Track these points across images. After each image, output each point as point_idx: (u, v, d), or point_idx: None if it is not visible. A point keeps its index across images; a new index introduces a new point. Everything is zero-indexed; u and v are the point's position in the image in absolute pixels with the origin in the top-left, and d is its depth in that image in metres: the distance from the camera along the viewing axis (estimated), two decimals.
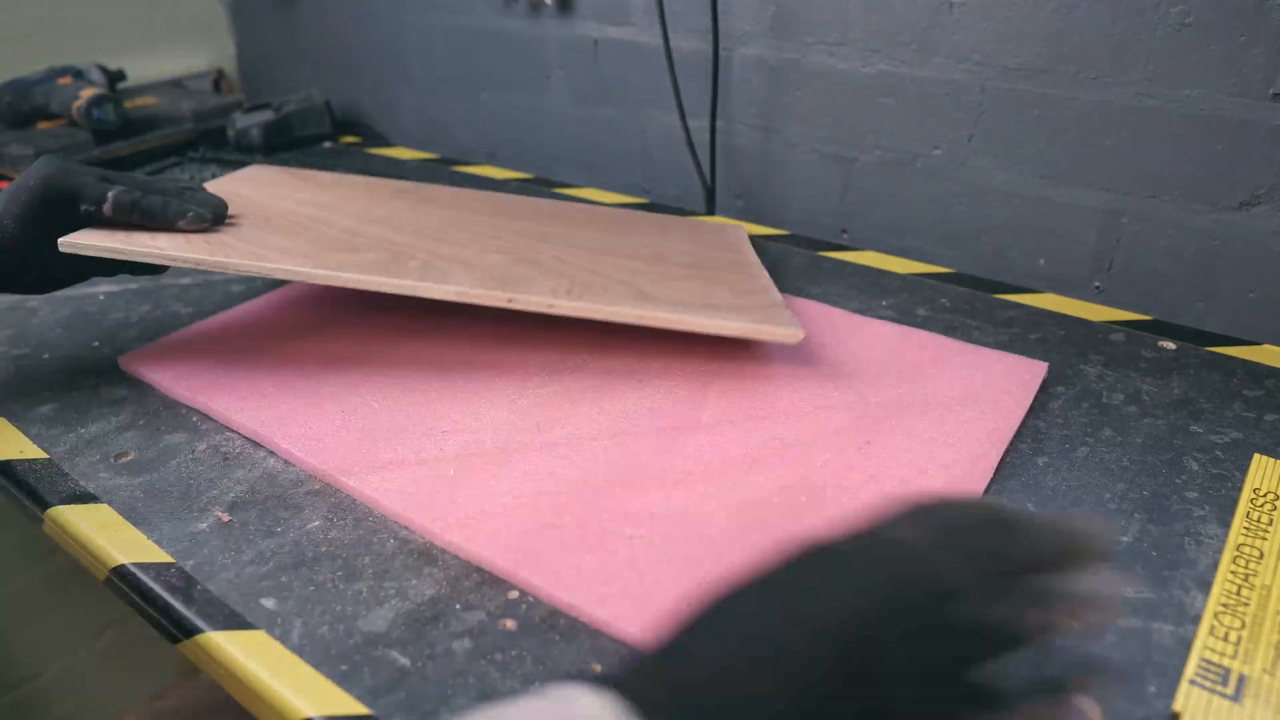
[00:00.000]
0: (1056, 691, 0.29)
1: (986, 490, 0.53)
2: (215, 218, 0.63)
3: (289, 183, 0.83)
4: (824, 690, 0.25)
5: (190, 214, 0.61)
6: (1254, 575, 0.46)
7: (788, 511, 0.51)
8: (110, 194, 0.59)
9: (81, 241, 0.58)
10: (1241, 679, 0.40)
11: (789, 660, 0.26)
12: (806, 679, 0.25)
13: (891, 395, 0.61)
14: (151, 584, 0.48)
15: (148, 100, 1.23)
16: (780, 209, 0.99)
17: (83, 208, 0.59)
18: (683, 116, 0.98)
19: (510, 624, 0.45)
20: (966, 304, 0.76)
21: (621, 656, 0.43)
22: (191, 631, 0.46)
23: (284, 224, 0.68)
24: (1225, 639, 0.42)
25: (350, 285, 0.59)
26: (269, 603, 0.46)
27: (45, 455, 0.58)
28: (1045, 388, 0.63)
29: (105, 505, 0.53)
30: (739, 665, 0.26)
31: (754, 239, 0.89)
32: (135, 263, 0.60)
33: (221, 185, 0.77)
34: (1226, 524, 0.50)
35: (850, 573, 0.28)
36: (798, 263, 0.84)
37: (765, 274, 0.74)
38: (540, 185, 1.07)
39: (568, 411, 0.60)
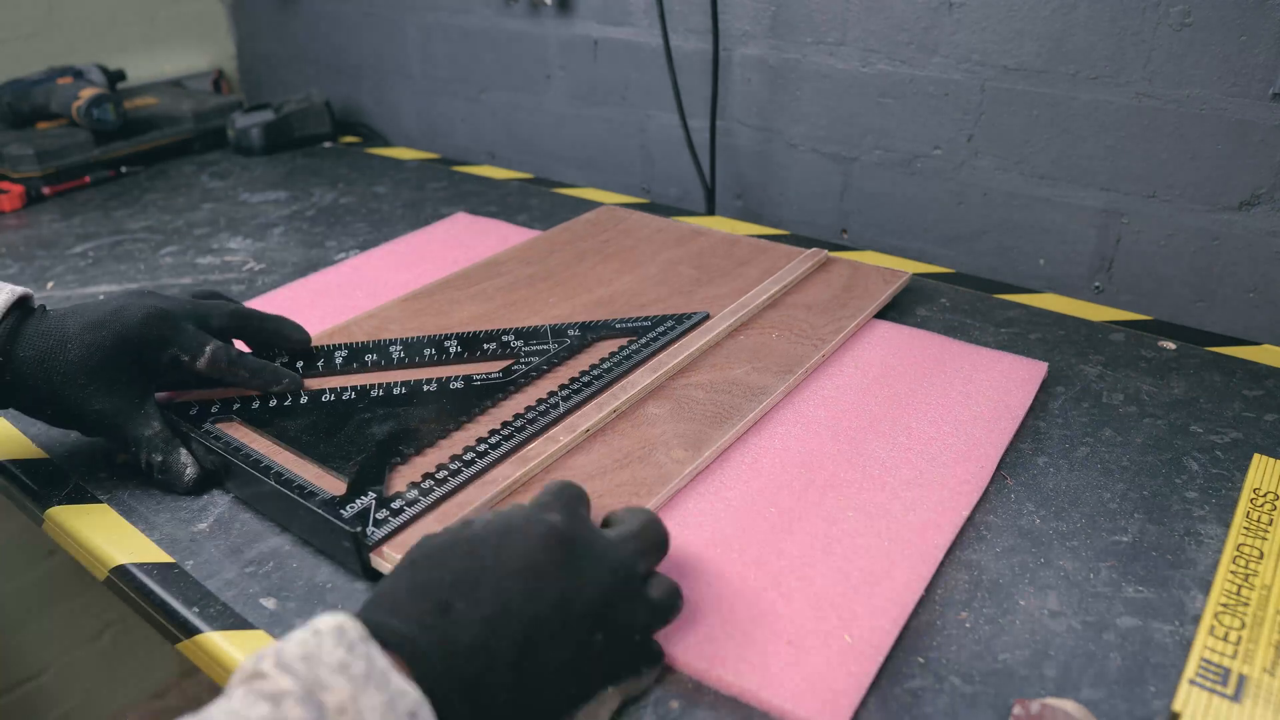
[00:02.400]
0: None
1: (985, 490, 0.53)
2: (295, 390, 0.59)
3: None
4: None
5: (285, 381, 0.59)
6: (1254, 575, 0.46)
7: (786, 510, 0.51)
8: (209, 349, 0.55)
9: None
10: (1241, 679, 0.40)
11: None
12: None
13: (892, 395, 0.61)
14: (151, 584, 0.48)
15: (148, 100, 1.23)
16: (780, 209, 0.99)
17: (170, 354, 0.54)
18: (683, 116, 0.98)
19: None
20: (966, 304, 0.76)
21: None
22: (191, 631, 0.46)
23: None
24: (1225, 639, 0.42)
25: None
26: (269, 603, 0.46)
27: (45, 455, 0.58)
28: (1045, 388, 0.63)
29: (105, 505, 0.53)
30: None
31: (754, 239, 0.89)
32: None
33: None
34: (1226, 524, 0.50)
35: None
36: None
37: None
38: (540, 185, 1.07)
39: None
